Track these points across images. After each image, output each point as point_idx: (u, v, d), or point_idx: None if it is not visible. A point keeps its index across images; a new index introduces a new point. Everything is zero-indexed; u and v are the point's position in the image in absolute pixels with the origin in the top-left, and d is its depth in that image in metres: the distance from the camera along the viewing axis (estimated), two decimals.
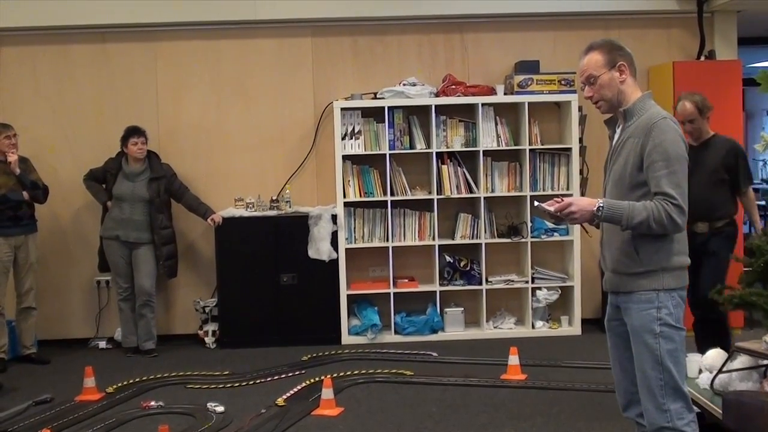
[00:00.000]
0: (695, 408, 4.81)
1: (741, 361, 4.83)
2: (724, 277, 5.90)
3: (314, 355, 7.39)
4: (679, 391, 3.62)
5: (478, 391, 6.23)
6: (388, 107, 7.76)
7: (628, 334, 3.75)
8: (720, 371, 4.79)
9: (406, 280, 7.99)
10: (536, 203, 3.94)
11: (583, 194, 7.82)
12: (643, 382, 3.66)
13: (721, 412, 4.48)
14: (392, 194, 7.83)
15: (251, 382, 6.63)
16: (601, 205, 3.55)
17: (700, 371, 5.07)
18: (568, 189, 7.84)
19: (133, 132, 7.54)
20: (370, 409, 5.89)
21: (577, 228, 7.77)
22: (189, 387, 6.56)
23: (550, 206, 3.66)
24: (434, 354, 7.30)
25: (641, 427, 3.85)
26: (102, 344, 7.99)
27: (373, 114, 7.84)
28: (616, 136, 3.80)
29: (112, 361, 7.44)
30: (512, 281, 7.96)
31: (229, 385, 6.56)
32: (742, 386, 4.70)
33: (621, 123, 3.78)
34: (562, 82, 7.81)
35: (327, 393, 5.87)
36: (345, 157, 7.81)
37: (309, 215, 7.74)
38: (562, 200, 3.65)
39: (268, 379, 6.70)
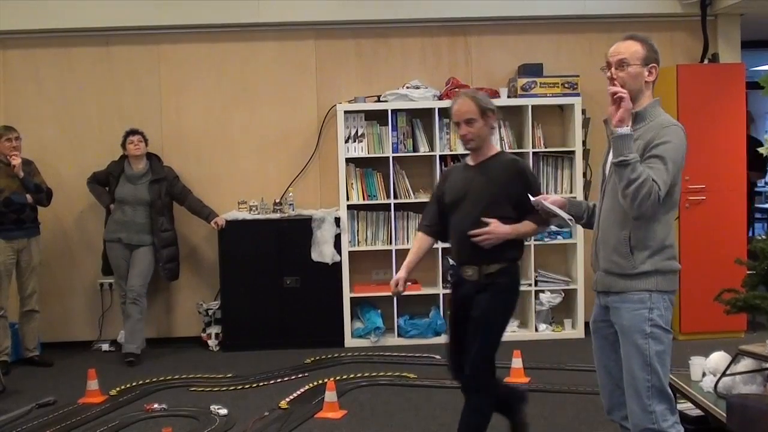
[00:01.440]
0: (698, 411, 4.84)
1: (745, 364, 4.82)
2: (493, 343, 4.50)
3: (317, 357, 7.39)
4: (665, 393, 3.64)
5: None
6: (392, 110, 7.76)
7: (614, 336, 3.77)
8: (724, 374, 4.79)
9: (409, 283, 7.96)
10: (533, 199, 4.03)
11: (586, 197, 7.81)
12: (630, 383, 3.67)
13: (725, 415, 4.47)
14: (395, 197, 7.83)
15: (254, 385, 6.63)
16: (628, 131, 3.53)
17: (704, 374, 5.06)
18: (571, 192, 7.84)
19: (130, 132, 7.59)
20: (374, 412, 5.90)
21: (580, 231, 7.74)
22: (192, 390, 6.57)
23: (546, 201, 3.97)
24: (437, 357, 7.30)
25: (625, 430, 3.86)
26: (105, 347, 7.98)
27: (377, 117, 7.84)
28: None
29: (115, 364, 7.43)
30: None
31: (232, 388, 6.56)
32: (745, 389, 4.69)
33: None
34: (566, 85, 7.81)
35: (330, 396, 5.87)
36: (348, 160, 7.81)
37: (312, 218, 7.74)
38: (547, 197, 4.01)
39: (271, 381, 6.70)
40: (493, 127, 4.60)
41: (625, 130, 3.53)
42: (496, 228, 4.33)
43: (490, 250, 4.43)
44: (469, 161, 4.67)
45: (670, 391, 3.68)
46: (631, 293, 3.66)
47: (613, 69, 3.72)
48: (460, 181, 4.63)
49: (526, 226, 4.51)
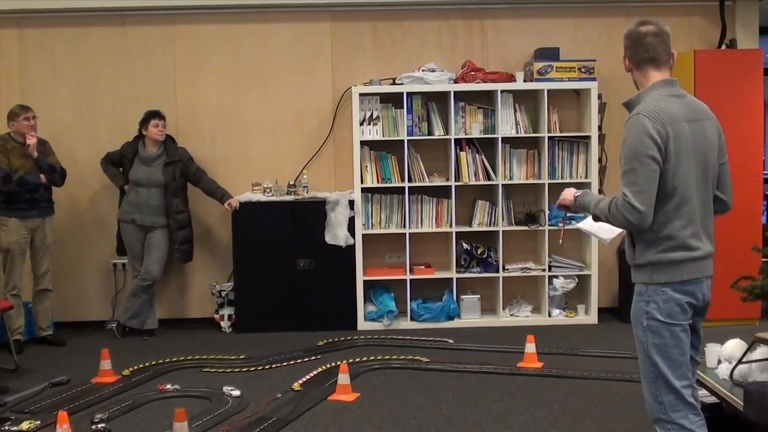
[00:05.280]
0: (713, 398, 4.82)
1: (761, 351, 4.79)
2: None
3: (330, 340, 7.39)
4: (670, 385, 3.56)
5: (494, 378, 6.22)
6: (407, 93, 7.73)
7: None
8: (740, 362, 4.76)
9: (423, 267, 7.98)
10: (558, 203, 4.03)
11: (601, 182, 7.78)
12: (641, 371, 3.67)
13: (741, 402, 4.45)
14: (410, 180, 7.81)
15: (267, 367, 6.64)
16: (578, 194, 3.76)
17: (719, 361, 5.04)
18: (586, 177, 7.80)
19: (155, 114, 7.57)
20: (386, 395, 5.89)
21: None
22: (205, 370, 6.58)
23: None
24: (450, 341, 7.30)
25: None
26: None
27: (392, 100, 7.82)
28: None
29: (128, 344, 7.46)
30: (529, 269, 7.94)
31: (245, 370, 6.57)
32: (762, 377, 4.67)
33: None
34: (582, 70, 7.76)
35: (343, 378, 5.87)
36: (363, 143, 7.79)
37: (326, 201, 7.73)
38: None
39: (284, 363, 6.71)
40: None
41: (575, 194, 3.77)
42: None
43: None
44: None
45: (678, 384, 3.56)
46: (636, 284, 3.66)
47: None
48: None
49: None
